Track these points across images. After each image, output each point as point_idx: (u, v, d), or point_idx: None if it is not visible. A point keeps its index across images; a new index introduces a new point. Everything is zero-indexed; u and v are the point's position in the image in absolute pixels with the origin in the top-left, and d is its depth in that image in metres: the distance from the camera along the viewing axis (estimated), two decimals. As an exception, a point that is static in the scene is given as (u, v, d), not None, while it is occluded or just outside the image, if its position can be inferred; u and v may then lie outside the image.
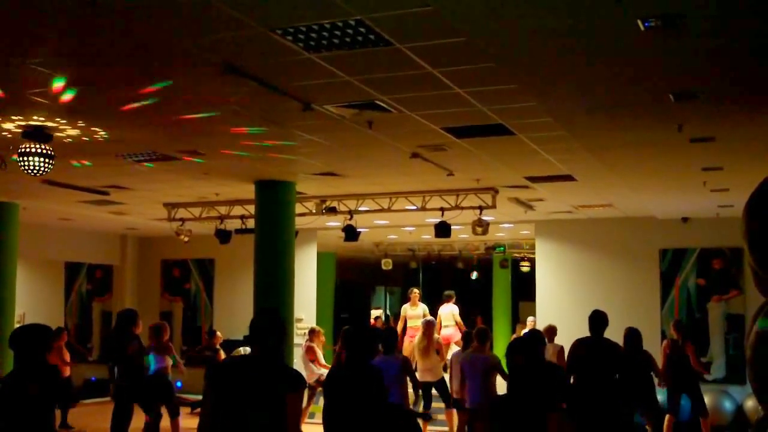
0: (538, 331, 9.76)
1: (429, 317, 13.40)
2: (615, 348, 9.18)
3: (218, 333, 14.46)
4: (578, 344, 9.20)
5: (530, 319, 15.89)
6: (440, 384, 12.10)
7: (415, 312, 15.72)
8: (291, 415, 4.73)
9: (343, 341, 6.52)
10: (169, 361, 11.60)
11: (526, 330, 15.05)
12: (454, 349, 13.87)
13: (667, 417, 11.63)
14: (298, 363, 12.64)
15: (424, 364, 12.10)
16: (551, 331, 12.73)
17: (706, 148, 8.77)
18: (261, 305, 11.11)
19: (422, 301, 16.47)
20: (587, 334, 9.23)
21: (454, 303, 16.26)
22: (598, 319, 9.15)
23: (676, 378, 11.50)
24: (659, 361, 11.56)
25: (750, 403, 13.38)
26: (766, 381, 4.66)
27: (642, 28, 5.07)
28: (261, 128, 8.13)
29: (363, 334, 6.60)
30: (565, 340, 12.33)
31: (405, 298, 16.96)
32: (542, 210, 14.29)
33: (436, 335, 12.75)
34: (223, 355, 13.41)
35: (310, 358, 12.87)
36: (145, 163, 9.93)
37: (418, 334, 12.78)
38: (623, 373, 9.32)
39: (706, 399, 13.82)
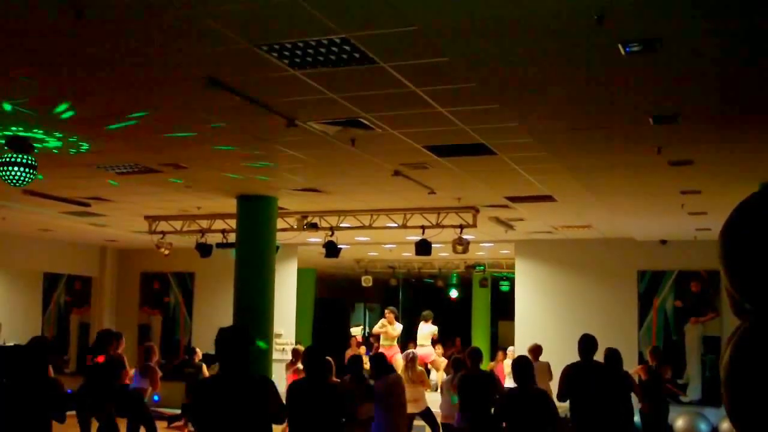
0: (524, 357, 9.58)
1: (413, 352, 13.24)
2: (605, 371, 9.17)
3: (198, 350, 14.41)
4: (570, 369, 9.09)
5: (510, 349, 15.77)
6: (426, 414, 12.02)
7: (391, 331, 15.70)
8: (273, 402, 4.95)
9: (302, 360, 6.61)
10: (149, 387, 11.55)
11: (508, 360, 15.06)
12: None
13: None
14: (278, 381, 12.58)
15: (408, 396, 12.03)
16: (536, 350, 12.71)
17: (685, 172, 8.86)
18: (241, 319, 11.08)
19: (401, 319, 16.47)
20: (565, 353, 9.25)
21: (433, 323, 16.23)
22: (588, 343, 9.09)
23: (650, 401, 11.57)
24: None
25: (725, 426, 13.45)
26: (741, 403, 4.72)
27: (623, 52, 5.14)
28: (244, 143, 8.15)
29: (320, 352, 6.67)
30: (544, 359, 12.38)
31: (383, 316, 16.93)
32: (522, 230, 14.35)
33: (419, 367, 12.68)
34: (206, 371, 13.31)
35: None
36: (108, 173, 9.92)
37: (401, 367, 12.70)
38: (603, 394, 9.32)
39: (682, 421, 13.93)
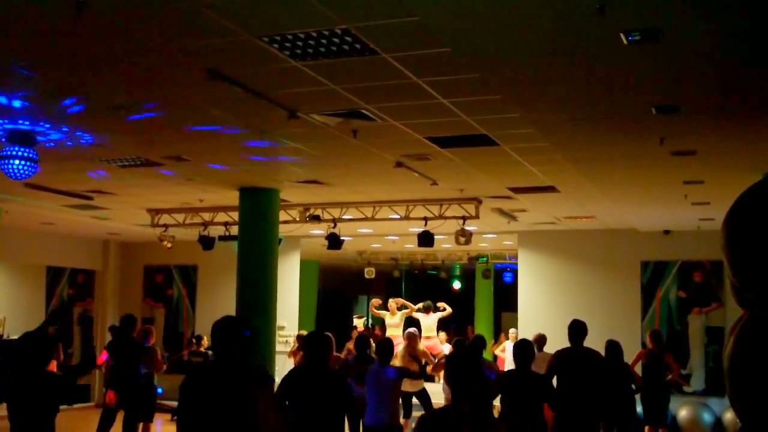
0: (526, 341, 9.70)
1: (411, 329, 13.26)
2: (595, 357, 9.21)
3: (204, 338, 14.43)
4: (558, 355, 9.23)
5: (512, 331, 15.88)
6: (422, 394, 12.08)
7: (393, 321, 15.69)
8: (263, 409, 4.86)
9: (302, 345, 6.57)
10: (153, 370, 11.62)
11: (509, 341, 15.12)
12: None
13: (646, 429, 11.71)
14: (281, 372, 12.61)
15: None
16: (540, 340, 12.72)
17: (688, 162, 8.85)
18: (244, 312, 11.10)
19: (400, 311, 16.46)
20: (567, 344, 9.27)
21: (433, 312, 16.15)
22: (577, 329, 9.17)
23: (651, 387, 11.62)
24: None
25: (729, 416, 13.47)
26: (744, 392, 4.71)
27: (625, 41, 5.13)
28: (246, 135, 8.14)
29: (321, 337, 6.63)
30: (548, 350, 12.35)
31: (386, 308, 16.94)
32: (525, 221, 14.34)
33: (420, 346, 12.68)
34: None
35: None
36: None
37: (401, 346, 12.73)
38: (603, 385, 9.34)
39: (685, 411, 13.94)
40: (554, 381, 9.08)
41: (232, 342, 5.06)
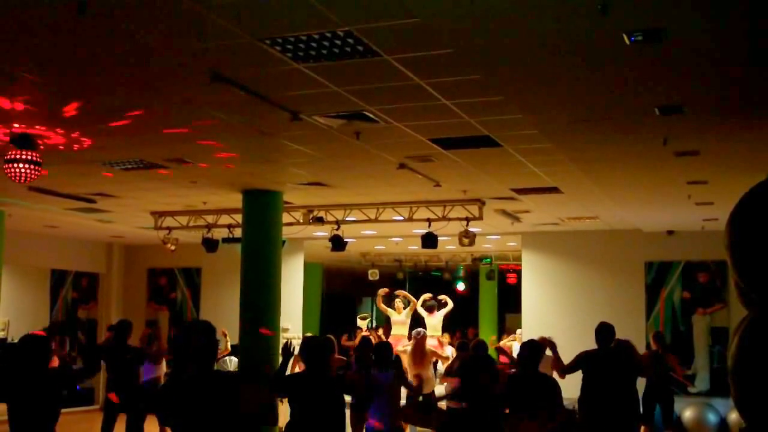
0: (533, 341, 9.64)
1: (420, 329, 13.12)
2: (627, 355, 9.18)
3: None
4: (586, 356, 9.08)
5: (519, 331, 15.85)
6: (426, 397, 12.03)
7: (399, 318, 15.61)
8: (245, 401, 4.92)
9: (300, 351, 6.53)
10: (163, 370, 11.61)
11: (515, 341, 15.06)
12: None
13: (642, 428, 11.66)
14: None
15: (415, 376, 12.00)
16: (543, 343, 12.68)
17: (691, 162, 8.84)
18: (247, 314, 11.10)
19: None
20: (573, 345, 9.23)
21: (437, 310, 16.05)
22: (605, 331, 9.06)
23: (654, 388, 11.60)
24: None
25: (734, 416, 13.44)
26: (748, 392, 4.71)
27: (627, 42, 5.12)
28: (249, 138, 8.14)
29: (320, 343, 6.61)
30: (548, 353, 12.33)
31: (393, 302, 16.85)
32: (529, 222, 14.33)
33: (428, 347, 12.61)
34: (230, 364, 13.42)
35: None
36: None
37: (410, 347, 12.67)
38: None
39: (690, 412, 13.92)
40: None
41: (213, 352, 5.08)
